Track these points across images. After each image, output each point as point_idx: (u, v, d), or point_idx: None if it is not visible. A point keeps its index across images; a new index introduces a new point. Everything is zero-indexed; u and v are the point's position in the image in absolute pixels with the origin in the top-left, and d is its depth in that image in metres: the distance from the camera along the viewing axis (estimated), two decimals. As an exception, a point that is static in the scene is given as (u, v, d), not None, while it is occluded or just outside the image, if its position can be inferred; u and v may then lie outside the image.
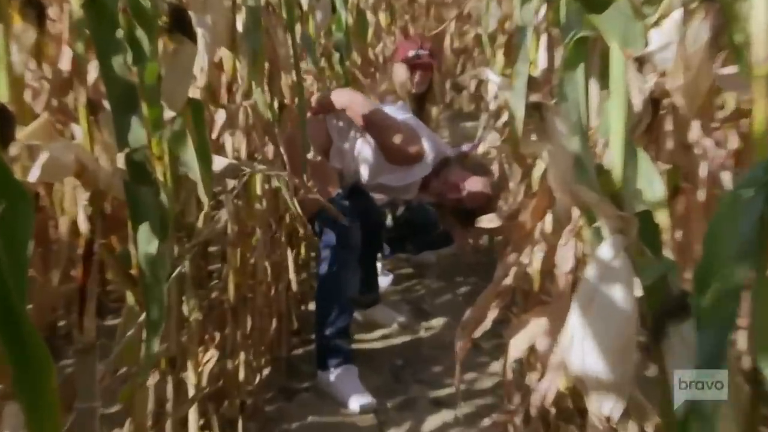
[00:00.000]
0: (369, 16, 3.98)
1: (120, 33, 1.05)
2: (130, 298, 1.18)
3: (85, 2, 1.01)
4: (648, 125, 1.31)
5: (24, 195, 0.67)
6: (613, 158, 0.99)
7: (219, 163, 1.53)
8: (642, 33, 0.90)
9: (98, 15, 1.02)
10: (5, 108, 0.90)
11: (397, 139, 2.75)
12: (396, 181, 2.85)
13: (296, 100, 2.31)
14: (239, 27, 1.92)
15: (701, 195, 1.43)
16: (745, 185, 0.72)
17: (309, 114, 2.75)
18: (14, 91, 1.07)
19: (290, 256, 2.78)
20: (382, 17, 4.77)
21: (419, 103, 3.34)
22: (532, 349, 1.31)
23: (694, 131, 1.45)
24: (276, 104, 2.23)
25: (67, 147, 0.98)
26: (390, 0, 5.07)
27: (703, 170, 1.46)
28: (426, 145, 2.80)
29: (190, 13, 1.31)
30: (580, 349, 0.90)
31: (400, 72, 3.24)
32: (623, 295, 0.88)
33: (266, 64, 2.11)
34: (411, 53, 3.23)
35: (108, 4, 1.01)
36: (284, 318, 2.75)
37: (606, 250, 0.89)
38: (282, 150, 2.15)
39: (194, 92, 1.60)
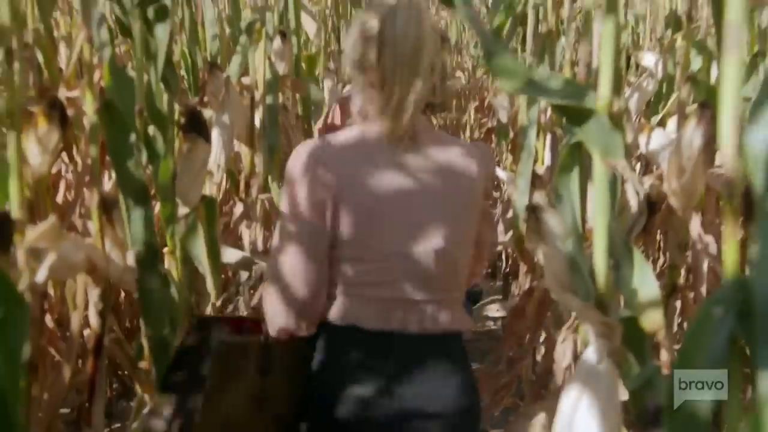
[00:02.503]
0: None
1: (133, 136, 1.11)
2: (138, 388, 1.22)
3: (100, 108, 1.08)
4: (646, 225, 1.34)
5: (20, 302, 0.70)
6: (597, 262, 0.99)
7: (233, 255, 1.58)
8: (621, 144, 0.92)
9: (112, 119, 1.08)
10: (5, 215, 0.94)
11: None
12: None
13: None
14: (257, 123, 1.98)
15: (704, 291, 1.45)
16: (715, 303, 0.69)
17: None
18: (35, 189, 1.13)
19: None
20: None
21: None
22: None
23: (695, 227, 1.47)
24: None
25: (76, 246, 1.03)
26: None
27: (704, 266, 1.47)
28: None
29: (208, 111, 1.37)
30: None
31: None
32: (607, 399, 0.89)
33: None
34: None
35: (121, 109, 1.08)
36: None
37: (590, 355, 0.90)
38: None
39: (210, 188, 1.67)
